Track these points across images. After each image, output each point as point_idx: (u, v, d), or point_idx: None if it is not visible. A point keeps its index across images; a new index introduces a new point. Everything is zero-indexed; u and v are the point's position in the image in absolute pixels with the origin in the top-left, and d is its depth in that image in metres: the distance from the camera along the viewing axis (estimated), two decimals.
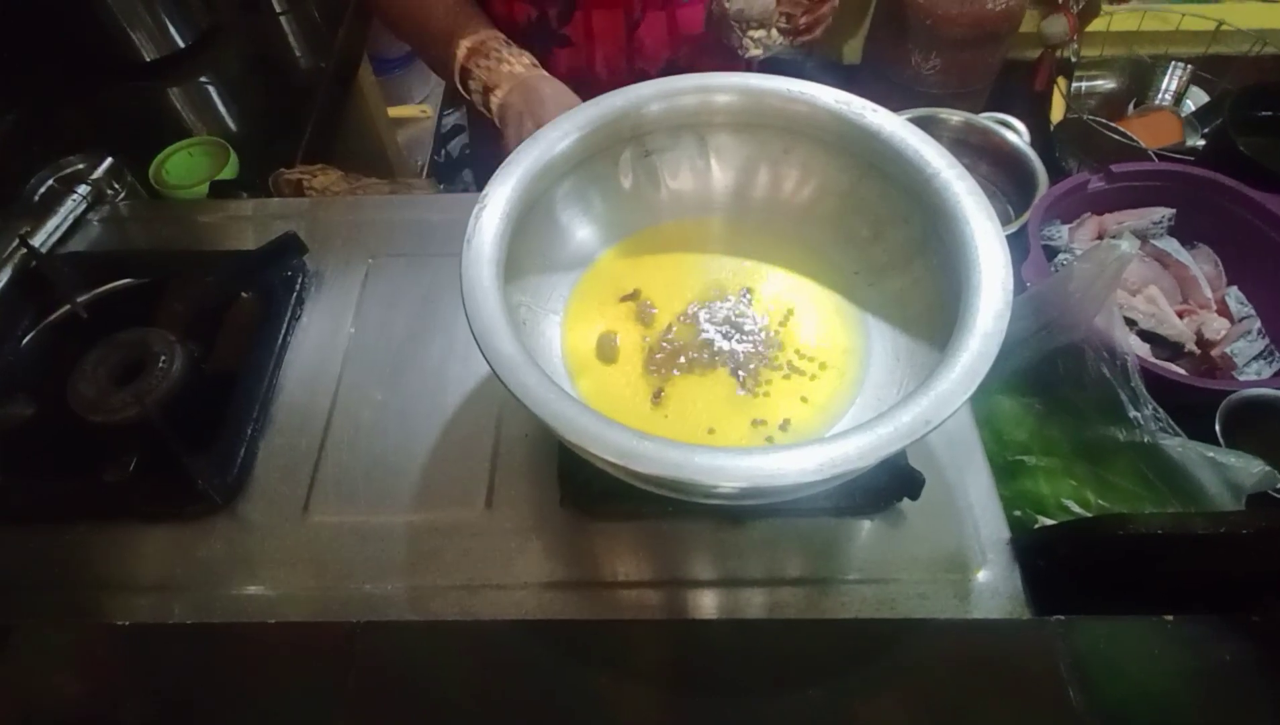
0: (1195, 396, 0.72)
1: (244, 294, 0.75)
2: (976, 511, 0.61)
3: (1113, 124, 1.17)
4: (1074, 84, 1.50)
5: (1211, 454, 0.64)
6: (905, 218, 0.59)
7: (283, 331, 0.73)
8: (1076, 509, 0.66)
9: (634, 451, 0.42)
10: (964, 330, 0.46)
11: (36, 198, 0.86)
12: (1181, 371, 0.78)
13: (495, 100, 0.78)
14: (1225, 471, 0.63)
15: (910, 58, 1.59)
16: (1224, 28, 1.43)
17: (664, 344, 0.61)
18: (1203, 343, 0.83)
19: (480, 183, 0.55)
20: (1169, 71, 1.43)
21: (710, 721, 0.49)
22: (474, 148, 1.33)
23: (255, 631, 0.55)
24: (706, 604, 0.58)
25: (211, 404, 0.67)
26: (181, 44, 1.18)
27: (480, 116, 0.85)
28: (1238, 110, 0.99)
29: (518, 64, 0.79)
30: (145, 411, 0.63)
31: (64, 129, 1.09)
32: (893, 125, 0.57)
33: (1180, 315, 0.85)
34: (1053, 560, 0.57)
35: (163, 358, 0.67)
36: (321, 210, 0.85)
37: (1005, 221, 0.90)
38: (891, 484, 0.59)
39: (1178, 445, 0.65)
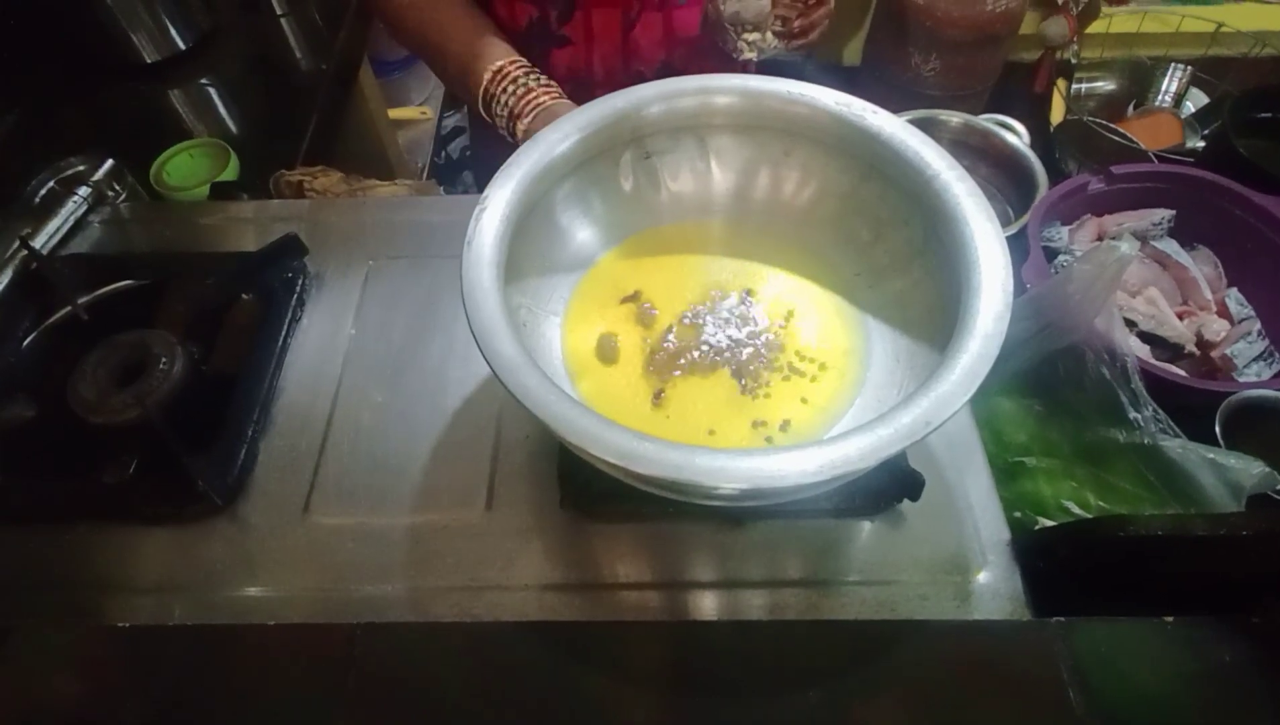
0: (1195, 398, 0.72)
1: (244, 295, 0.75)
2: (977, 513, 0.61)
3: (1112, 125, 1.17)
4: (1074, 86, 1.51)
5: (1211, 455, 0.64)
6: (905, 219, 0.59)
7: (283, 333, 0.73)
8: (1077, 510, 0.66)
9: (634, 452, 0.42)
10: (964, 332, 0.46)
11: (37, 199, 0.86)
12: (1181, 373, 0.78)
13: (522, 127, 0.79)
14: (1225, 473, 0.63)
15: (910, 59, 1.60)
16: (1223, 29, 1.43)
17: (664, 345, 0.61)
18: (1203, 344, 0.83)
19: (481, 184, 0.55)
20: (1169, 73, 1.43)
21: (710, 723, 0.49)
22: (474, 150, 1.33)
23: (255, 633, 0.55)
24: (707, 605, 0.58)
25: (212, 405, 0.67)
26: (182, 45, 1.18)
27: (481, 119, 0.85)
28: (1237, 112, 0.99)
29: (544, 94, 0.80)
30: (146, 413, 0.63)
31: (65, 130, 1.09)
32: (893, 127, 0.57)
33: (1180, 317, 0.85)
34: (1053, 562, 0.57)
35: (163, 359, 0.67)
36: (322, 212, 0.85)
37: (1005, 223, 0.90)
38: (892, 485, 0.59)
39: (1178, 446, 0.65)
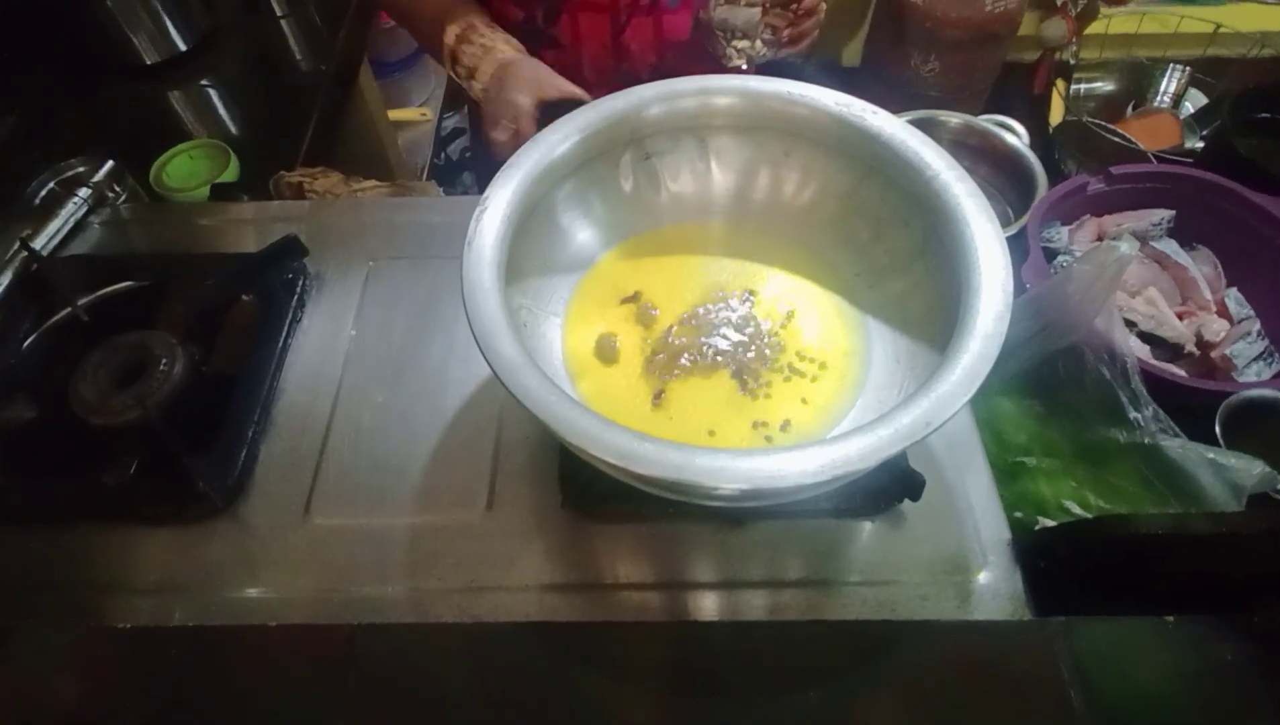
0: (1195, 398, 0.73)
1: (245, 296, 0.75)
2: (977, 513, 0.61)
3: (1112, 126, 1.17)
4: (1073, 86, 1.51)
5: (1212, 455, 0.64)
6: (905, 220, 0.59)
7: (283, 334, 0.73)
8: (1077, 510, 0.66)
9: (635, 453, 0.43)
10: (964, 332, 0.46)
11: (37, 201, 0.86)
12: (1181, 373, 0.78)
13: (478, 86, 0.79)
14: (1225, 472, 0.63)
15: (909, 60, 1.60)
16: (1222, 30, 1.43)
17: (665, 345, 0.61)
18: (1202, 344, 0.83)
19: (482, 185, 0.55)
20: (1167, 74, 1.43)
21: (710, 723, 0.49)
22: (475, 150, 1.33)
23: (256, 634, 0.55)
24: (707, 606, 0.58)
25: (212, 406, 0.67)
26: (182, 47, 1.18)
27: (480, 118, 0.85)
28: (1236, 112, 0.99)
29: (501, 47, 0.80)
30: (146, 414, 0.63)
31: (65, 132, 1.09)
32: (893, 127, 0.57)
33: (1180, 317, 0.85)
34: (1053, 561, 0.57)
35: (163, 360, 0.67)
36: (322, 213, 0.85)
37: (1005, 223, 0.90)
38: (892, 485, 0.59)
39: (1178, 446, 0.65)
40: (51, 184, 0.88)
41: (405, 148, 1.65)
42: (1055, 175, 1.01)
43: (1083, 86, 1.52)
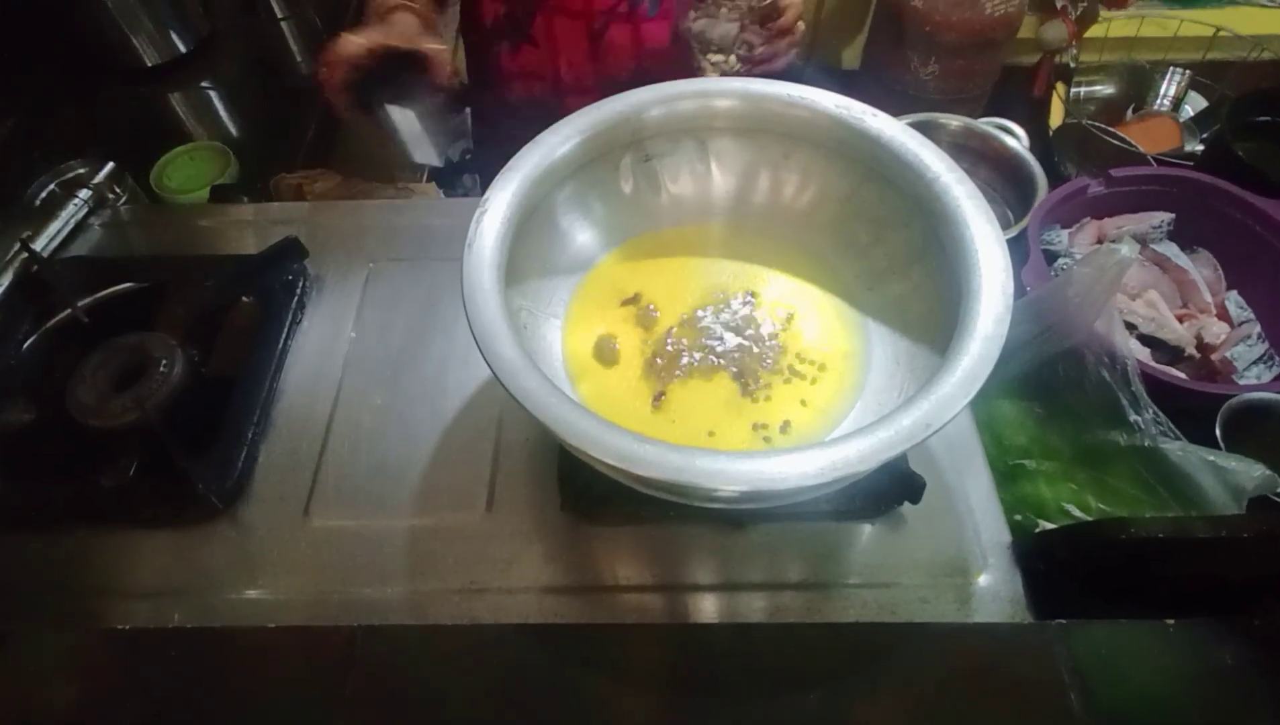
0: (1195, 400, 0.72)
1: (244, 298, 0.75)
2: (977, 515, 0.61)
3: (1111, 129, 1.17)
4: (1073, 89, 1.51)
5: (1212, 458, 0.64)
6: (905, 222, 0.59)
7: (283, 336, 0.73)
8: (1077, 513, 0.66)
9: (635, 455, 0.42)
10: (964, 334, 0.46)
11: (37, 202, 0.87)
12: (1181, 376, 0.78)
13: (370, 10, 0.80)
14: (1226, 475, 0.63)
15: (909, 63, 1.60)
16: (1221, 33, 1.43)
17: (666, 347, 0.61)
18: (1203, 347, 0.83)
19: (486, 186, 0.55)
20: (1167, 77, 1.43)
21: None
22: (477, 151, 1.34)
23: (255, 636, 0.55)
24: (707, 608, 0.58)
25: (211, 408, 0.67)
26: (182, 49, 1.18)
27: (483, 119, 0.86)
28: (1236, 116, 0.99)
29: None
30: (145, 416, 0.63)
31: (65, 134, 1.09)
32: (893, 130, 0.57)
33: (1180, 319, 0.85)
34: (1053, 564, 0.57)
35: (163, 362, 0.67)
36: (322, 215, 0.85)
37: (1005, 226, 0.90)
38: (892, 488, 0.59)
39: (1178, 449, 0.65)
40: (52, 185, 0.89)
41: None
42: (1055, 178, 1.01)
43: (1083, 89, 1.52)
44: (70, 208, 0.82)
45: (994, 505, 0.62)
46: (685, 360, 0.60)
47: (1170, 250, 0.89)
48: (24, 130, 1.07)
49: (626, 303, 0.64)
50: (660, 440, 0.43)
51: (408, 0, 0.81)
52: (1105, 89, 1.52)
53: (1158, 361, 0.81)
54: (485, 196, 0.54)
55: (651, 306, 0.63)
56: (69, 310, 0.73)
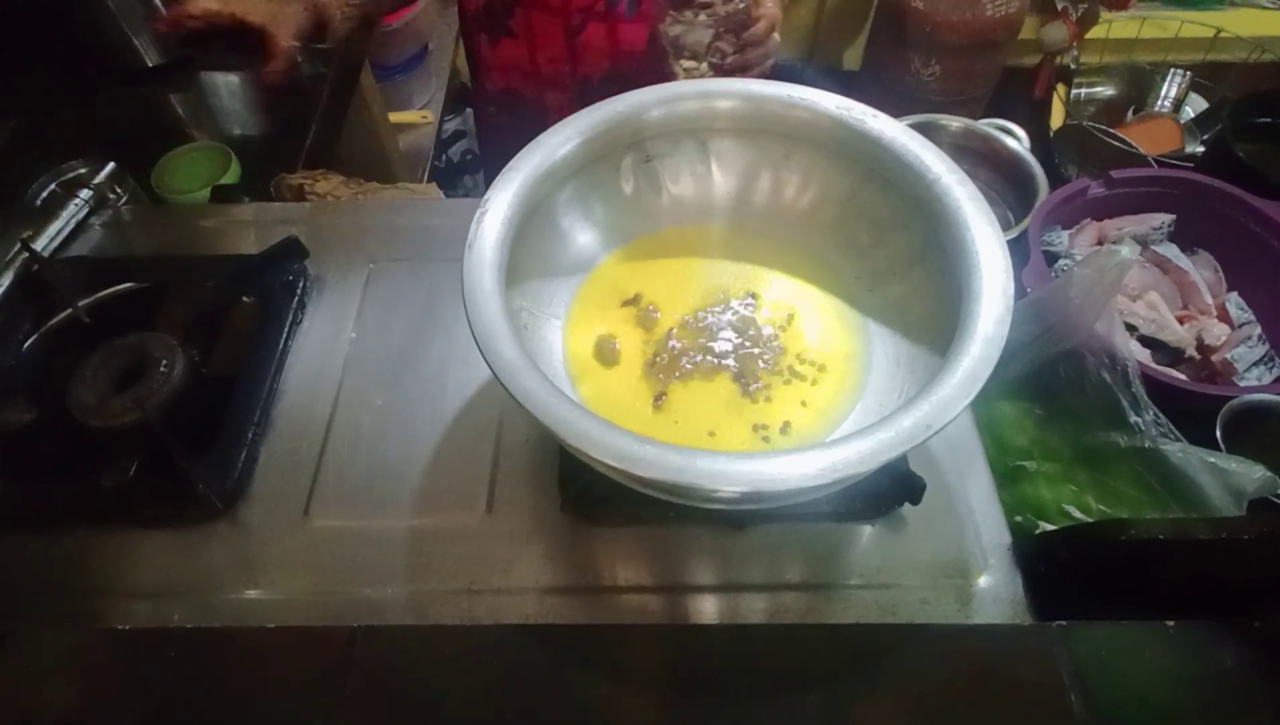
0: (1196, 402, 0.73)
1: (245, 298, 0.75)
2: (978, 517, 0.61)
3: (1112, 130, 1.18)
4: (1073, 91, 1.51)
5: (1212, 459, 0.64)
6: (906, 223, 0.59)
7: (284, 336, 0.73)
8: (1077, 514, 0.66)
9: (635, 455, 0.43)
10: (965, 335, 0.46)
11: (38, 202, 0.87)
12: (1182, 377, 0.78)
13: None
14: (1226, 477, 0.63)
15: (910, 64, 1.60)
16: (1222, 35, 1.44)
17: (666, 348, 0.61)
18: (1203, 348, 0.83)
19: (487, 185, 0.55)
20: (1168, 78, 1.44)
21: None
22: (483, 150, 1.34)
23: (255, 636, 0.55)
24: (707, 609, 0.58)
25: (212, 408, 0.67)
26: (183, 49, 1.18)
27: (487, 121, 0.86)
28: (1236, 117, 0.99)
29: None
30: (145, 416, 0.63)
31: (65, 134, 1.09)
32: (893, 131, 0.57)
33: (1180, 321, 0.85)
34: (1054, 566, 0.57)
35: (163, 362, 0.67)
36: (323, 215, 0.85)
37: (1005, 227, 0.90)
38: (893, 489, 0.59)
39: (1178, 451, 0.65)
40: (52, 186, 0.88)
41: (406, 150, 1.65)
42: (1056, 179, 1.01)
43: (1083, 91, 1.52)
44: (71, 208, 0.82)
45: (994, 506, 0.62)
46: (686, 361, 0.60)
47: (1171, 252, 0.89)
48: (24, 130, 1.07)
49: (627, 303, 0.64)
50: (660, 441, 0.43)
51: None
52: (1106, 90, 1.52)
53: (1158, 363, 0.81)
54: (486, 197, 0.54)
55: (652, 307, 0.63)
56: (70, 310, 0.73)
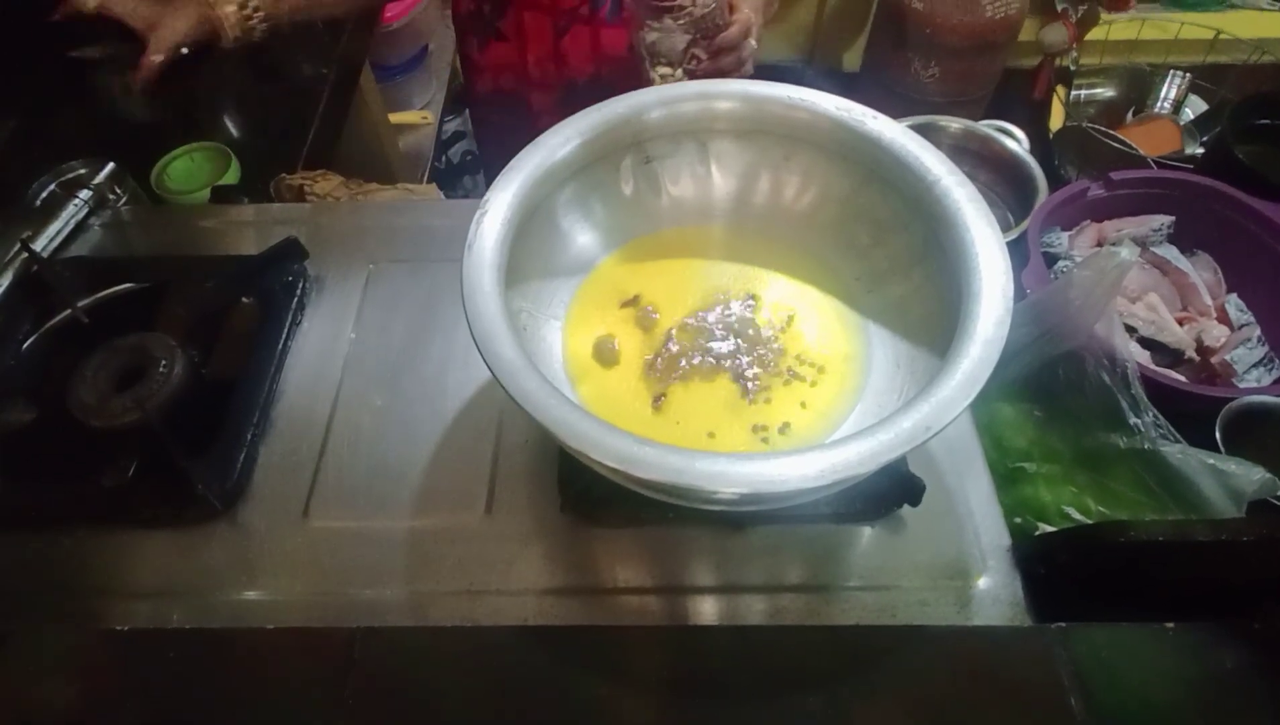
0: (1195, 403, 0.73)
1: (245, 299, 0.75)
2: (977, 518, 0.61)
3: (1112, 132, 1.18)
4: (1073, 92, 1.51)
5: (1212, 461, 0.64)
6: (906, 224, 0.59)
7: (283, 336, 0.73)
8: (1077, 516, 0.66)
9: (634, 457, 0.42)
10: (964, 337, 0.46)
11: (38, 202, 0.87)
12: (1181, 378, 0.78)
13: None
14: (1226, 478, 0.63)
15: (910, 65, 1.60)
16: (1222, 37, 1.44)
17: (666, 349, 0.61)
18: (1202, 350, 0.83)
19: (490, 184, 0.55)
20: (1168, 80, 1.44)
21: None
22: (481, 150, 1.35)
23: (254, 637, 0.55)
24: (707, 610, 0.58)
25: (211, 409, 0.66)
26: (183, 49, 1.18)
27: (485, 122, 0.87)
28: (1236, 119, 0.99)
29: None
30: (145, 416, 0.63)
31: (66, 134, 1.09)
32: (893, 132, 0.57)
33: (1180, 322, 0.85)
34: (1053, 567, 0.57)
35: (163, 363, 0.66)
36: (323, 216, 0.85)
37: (1005, 229, 0.90)
38: (892, 490, 0.59)
39: (1178, 452, 0.65)
40: (52, 186, 0.88)
41: (406, 151, 1.65)
42: (1055, 181, 1.01)
43: (1083, 92, 1.52)
44: (70, 208, 0.82)
45: (994, 508, 0.62)
46: (685, 362, 0.60)
47: (1170, 253, 0.89)
48: (24, 130, 1.07)
49: (626, 304, 0.64)
50: (660, 442, 0.43)
51: None
52: (1105, 92, 1.52)
53: (1158, 364, 0.81)
54: (485, 198, 0.54)
55: (651, 308, 0.63)
56: (69, 310, 0.73)
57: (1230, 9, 1.67)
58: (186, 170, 0.99)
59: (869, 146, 0.58)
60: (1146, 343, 0.84)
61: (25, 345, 0.73)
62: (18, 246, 0.75)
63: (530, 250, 0.58)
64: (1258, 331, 0.83)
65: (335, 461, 0.66)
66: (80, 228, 0.83)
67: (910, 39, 1.56)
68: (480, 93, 1.08)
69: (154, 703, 0.49)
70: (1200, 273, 0.88)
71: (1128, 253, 0.64)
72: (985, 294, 0.48)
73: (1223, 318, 0.85)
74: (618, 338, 0.62)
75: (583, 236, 0.65)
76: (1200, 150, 1.27)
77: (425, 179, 1.67)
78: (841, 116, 0.59)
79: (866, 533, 0.61)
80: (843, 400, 0.58)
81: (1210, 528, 0.53)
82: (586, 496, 0.61)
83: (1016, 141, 1.04)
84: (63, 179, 0.89)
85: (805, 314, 0.63)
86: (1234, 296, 0.87)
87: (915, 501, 0.59)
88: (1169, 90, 1.44)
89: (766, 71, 0.85)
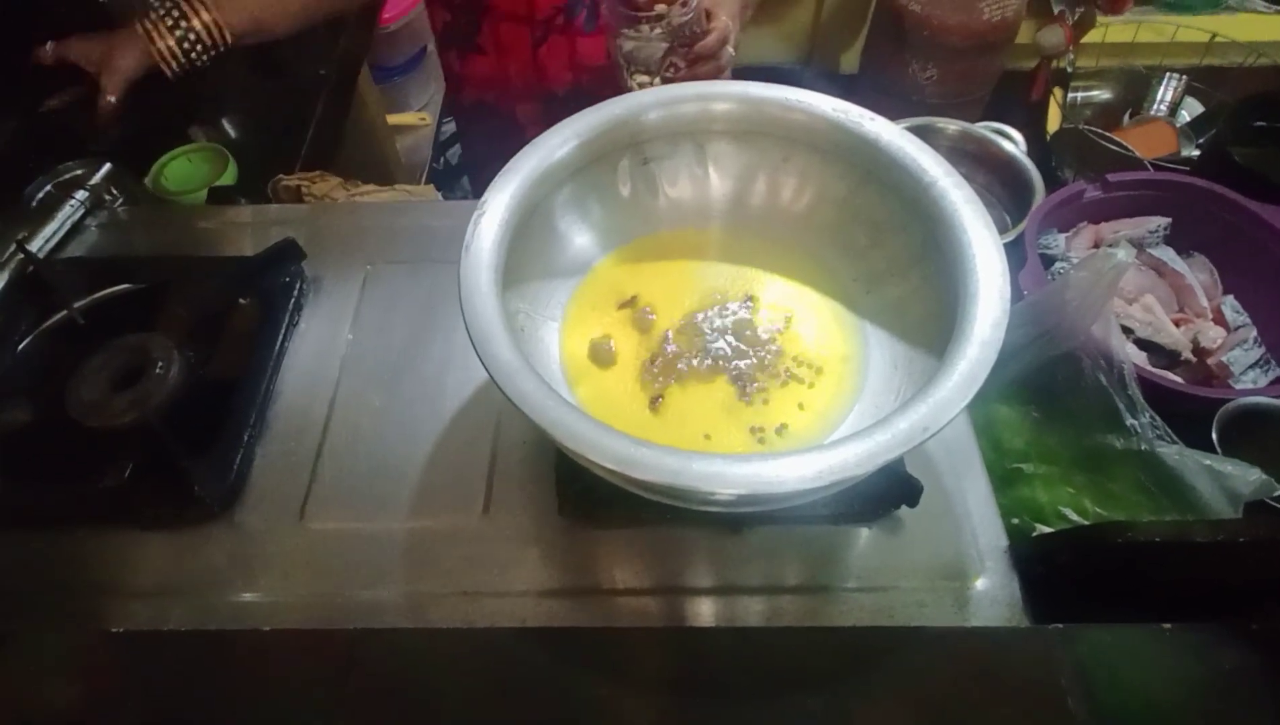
0: (1192, 405, 0.73)
1: (242, 300, 0.75)
2: (975, 519, 0.61)
3: (1108, 134, 1.18)
4: (1070, 94, 1.51)
5: (1209, 462, 0.64)
6: (903, 226, 0.59)
7: (281, 337, 0.73)
8: (1074, 517, 0.66)
9: (632, 458, 0.43)
10: (962, 338, 0.46)
11: (35, 203, 0.86)
12: (1178, 380, 0.78)
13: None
14: (1222, 479, 0.63)
15: (908, 67, 1.60)
16: (1218, 39, 1.44)
17: (663, 350, 0.61)
18: (1199, 351, 0.83)
19: (477, 190, 0.55)
20: (1164, 82, 1.44)
21: None
22: (465, 152, 1.35)
23: (252, 638, 0.55)
24: (705, 612, 0.58)
25: (209, 410, 0.66)
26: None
27: (471, 124, 0.87)
28: (1233, 121, 0.99)
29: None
30: (143, 417, 0.63)
31: (63, 134, 1.09)
32: (890, 134, 0.57)
33: (1177, 324, 0.85)
34: (1051, 568, 0.57)
35: (161, 363, 0.66)
36: (320, 216, 0.85)
37: (1002, 230, 0.90)
38: (890, 491, 0.59)
39: (1175, 453, 0.66)
40: (49, 186, 0.88)
41: (404, 152, 1.65)
42: (1052, 182, 1.01)
43: (1080, 94, 1.52)
44: (67, 208, 0.82)
45: (991, 509, 0.62)
46: (682, 363, 0.60)
47: (1167, 255, 0.89)
48: (23, 130, 1.06)
49: (624, 306, 0.64)
50: (657, 444, 0.43)
51: (151, 29, 0.86)
52: (1102, 94, 1.52)
53: (1154, 366, 0.81)
54: (483, 199, 0.54)
55: (649, 309, 0.63)
56: (66, 311, 0.73)
57: (1226, 12, 1.67)
58: (184, 171, 0.99)
59: (867, 148, 0.58)
60: (1143, 344, 0.84)
61: (22, 346, 0.73)
62: (14, 247, 0.75)
63: (528, 251, 0.58)
64: (1254, 333, 0.83)
65: (333, 462, 0.66)
66: (77, 228, 0.83)
67: (908, 41, 1.56)
68: (465, 104, 1.08)
69: (151, 704, 0.49)
70: (1197, 274, 0.88)
71: (1124, 254, 0.64)
72: (982, 295, 0.48)
73: (1219, 319, 0.85)
74: (615, 339, 0.62)
75: (580, 238, 0.65)
76: (1196, 152, 1.27)
77: (423, 180, 1.67)
78: (839, 118, 0.59)
79: (864, 534, 0.61)
80: (840, 401, 0.58)
81: (1207, 528, 0.53)
82: (584, 498, 0.61)
83: (1013, 143, 1.05)
84: (59, 179, 0.89)
85: (803, 315, 0.63)
86: (1230, 298, 0.87)
87: (913, 502, 0.59)
88: (1165, 93, 1.44)
89: (764, 73, 0.86)
